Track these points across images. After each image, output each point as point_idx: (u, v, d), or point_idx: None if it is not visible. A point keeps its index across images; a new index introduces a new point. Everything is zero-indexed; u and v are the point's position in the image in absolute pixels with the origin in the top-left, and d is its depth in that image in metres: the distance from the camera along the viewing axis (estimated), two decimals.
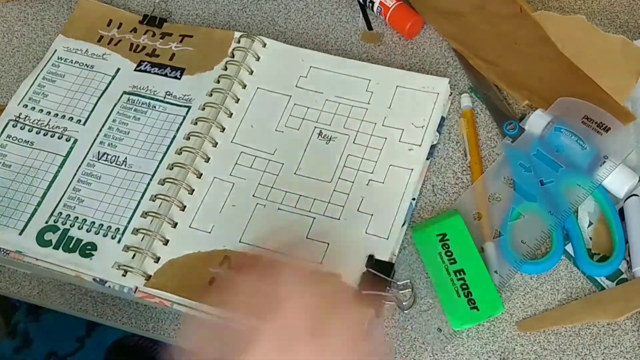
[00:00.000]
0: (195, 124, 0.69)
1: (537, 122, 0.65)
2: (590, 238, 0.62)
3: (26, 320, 0.83)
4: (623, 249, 0.61)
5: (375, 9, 0.75)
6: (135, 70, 0.74)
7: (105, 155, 0.69)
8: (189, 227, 0.65)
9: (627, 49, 0.61)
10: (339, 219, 0.64)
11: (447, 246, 0.62)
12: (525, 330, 0.60)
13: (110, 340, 0.85)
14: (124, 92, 0.73)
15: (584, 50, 0.63)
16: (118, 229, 0.65)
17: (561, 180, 0.63)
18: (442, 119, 0.69)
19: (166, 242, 0.64)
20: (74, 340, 0.83)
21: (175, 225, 0.65)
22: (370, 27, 0.76)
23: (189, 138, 0.68)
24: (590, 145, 0.63)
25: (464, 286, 0.60)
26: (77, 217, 0.66)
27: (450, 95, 0.69)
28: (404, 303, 0.61)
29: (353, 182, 0.65)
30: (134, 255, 0.63)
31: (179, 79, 0.73)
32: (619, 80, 0.62)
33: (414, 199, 0.65)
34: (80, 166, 0.69)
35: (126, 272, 0.62)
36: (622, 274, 0.61)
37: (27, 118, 0.72)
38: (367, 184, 0.65)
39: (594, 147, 0.63)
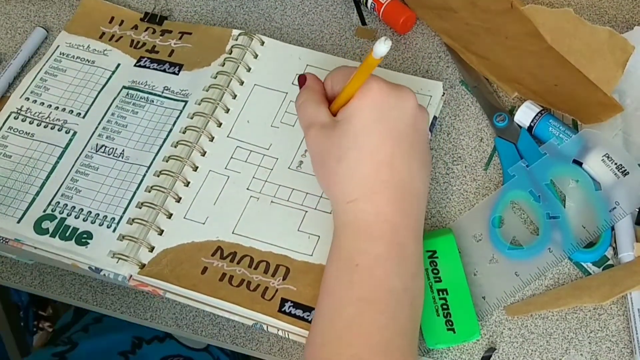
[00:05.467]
0: (192, 118, 0.70)
1: (526, 113, 0.67)
2: None
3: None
4: (609, 236, 0.62)
5: (369, 5, 0.76)
6: (135, 65, 0.76)
7: (103, 148, 0.71)
8: (184, 218, 0.66)
9: (613, 40, 0.62)
10: (330, 212, 0.65)
11: (434, 263, 0.62)
12: (512, 315, 0.61)
13: (154, 358, 0.87)
14: (124, 87, 0.74)
15: (572, 43, 0.63)
16: (114, 218, 0.66)
17: (550, 169, 0.64)
18: (435, 118, 0.69)
19: (161, 232, 0.65)
20: (117, 353, 0.85)
21: (170, 216, 0.66)
22: (364, 23, 0.78)
23: (185, 132, 0.70)
24: (604, 187, 0.62)
25: (445, 306, 0.60)
26: (74, 207, 0.67)
27: (442, 95, 0.70)
28: None
29: None
30: (129, 244, 0.64)
31: (177, 74, 0.74)
32: (605, 72, 0.63)
33: None
34: (78, 157, 0.70)
35: (120, 260, 0.63)
36: (609, 260, 0.61)
37: (29, 110, 0.74)
38: None
39: (607, 190, 0.62)
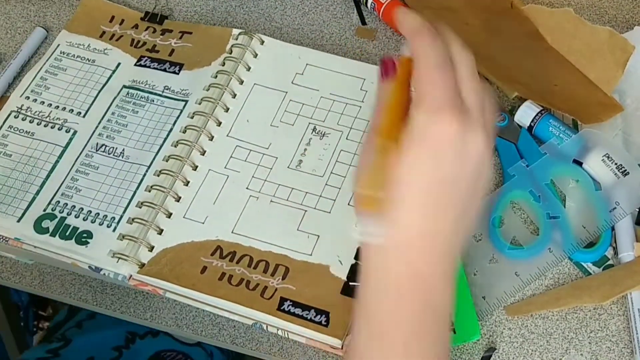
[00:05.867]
0: (192, 117, 0.70)
1: (526, 113, 0.67)
2: None
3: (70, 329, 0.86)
4: (609, 236, 0.62)
5: (369, 4, 0.76)
6: (135, 65, 0.76)
7: (104, 147, 0.71)
8: (184, 217, 0.66)
9: (613, 39, 0.62)
10: (329, 212, 0.65)
11: None
12: (513, 315, 0.61)
13: (147, 352, 0.87)
14: (124, 86, 0.74)
15: (572, 43, 0.64)
16: (114, 218, 0.66)
17: (550, 169, 0.64)
18: None
19: (161, 232, 0.65)
20: (111, 348, 0.85)
21: (170, 215, 0.66)
22: (364, 23, 0.78)
23: (185, 131, 0.70)
24: (605, 187, 0.62)
25: None
26: (74, 206, 0.67)
27: None
28: None
29: (345, 177, 0.66)
30: (129, 243, 0.64)
31: (178, 74, 0.74)
32: (605, 72, 0.63)
33: None
34: (78, 157, 0.70)
35: (120, 260, 0.63)
36: (609, 260, 0.61)
37: (29, 109, 0.74)
38: None
39: (607, 190, 0.62)
